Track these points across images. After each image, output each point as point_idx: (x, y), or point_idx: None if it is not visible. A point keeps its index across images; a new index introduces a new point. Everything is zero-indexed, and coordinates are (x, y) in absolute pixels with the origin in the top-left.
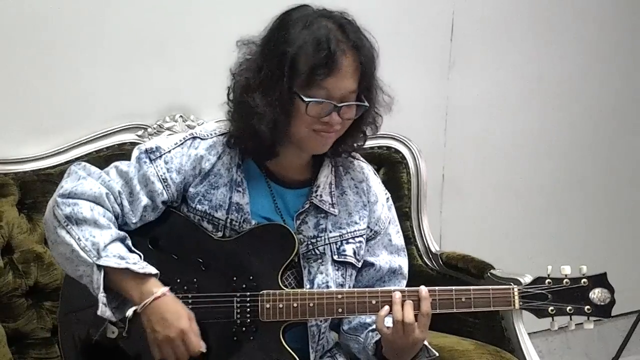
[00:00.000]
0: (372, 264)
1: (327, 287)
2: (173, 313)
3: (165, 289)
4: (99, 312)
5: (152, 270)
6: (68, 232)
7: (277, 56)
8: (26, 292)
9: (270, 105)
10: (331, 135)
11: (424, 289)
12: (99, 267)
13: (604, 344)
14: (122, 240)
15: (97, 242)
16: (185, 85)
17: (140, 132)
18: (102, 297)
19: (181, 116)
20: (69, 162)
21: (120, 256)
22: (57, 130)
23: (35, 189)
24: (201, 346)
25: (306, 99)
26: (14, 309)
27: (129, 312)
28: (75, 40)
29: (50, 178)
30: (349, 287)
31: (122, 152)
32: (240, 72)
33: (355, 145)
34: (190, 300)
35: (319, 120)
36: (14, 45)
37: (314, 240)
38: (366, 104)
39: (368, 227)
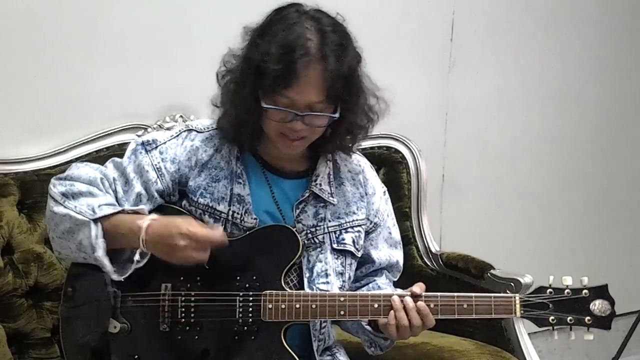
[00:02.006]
0: (373, 259)
1: (327, 275)
2: (166, 226)
3: (154, 215)
4: (97, 257)
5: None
6: (65, 207)
7: (248, 59)
8: (26, 292)
9: (233, 104)
10: (298, 142)
11: (397, 300)
12: (95, 221)
13: (604, 344)
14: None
15: (92, 203)
16: (185, 85)
17: (140, 132)
18: (101, 242)
19: (181, 116)
20: (69, 162)
21: (114, 206)
22: (57, 130)
23: (35, 189)
24: (208, 228)
25: (265, 106)
26: (14, 309)
27: (136, 256)
28: (75, 40)
29: (50, 178)
30: (349, 277)
31: (122, 152)
32: (226, 63)
33: (344, 144)
34: (193, 299)
35: (284, 125)
36: (13, 45)
37: (313, 230)
38: (335, 115)
39: (367, 218)
